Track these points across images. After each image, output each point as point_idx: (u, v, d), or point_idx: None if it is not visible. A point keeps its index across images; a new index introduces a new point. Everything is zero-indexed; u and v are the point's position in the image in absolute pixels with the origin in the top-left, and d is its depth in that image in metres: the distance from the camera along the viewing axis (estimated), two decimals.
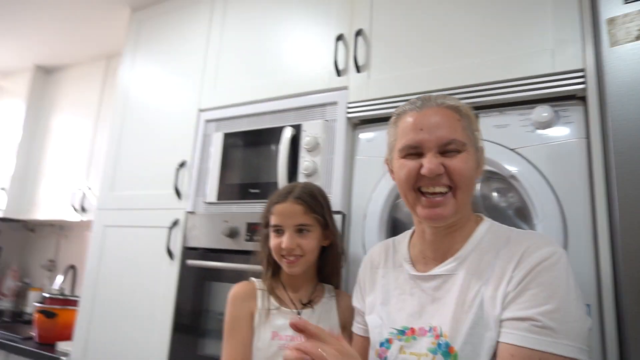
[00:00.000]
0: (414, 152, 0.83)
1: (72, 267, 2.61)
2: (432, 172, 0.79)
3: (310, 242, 1.09)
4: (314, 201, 1.11)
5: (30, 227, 3.20)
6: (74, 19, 2.41)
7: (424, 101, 0.86)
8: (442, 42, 1.31)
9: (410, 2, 1.40)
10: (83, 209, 2.47)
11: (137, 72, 2.12)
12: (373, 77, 1.41)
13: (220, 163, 1.66)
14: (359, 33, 1.44)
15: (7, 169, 2.83)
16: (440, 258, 0.86)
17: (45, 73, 3.03)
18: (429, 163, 0.80)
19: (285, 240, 1.08)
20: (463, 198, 0.82)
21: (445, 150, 0.81)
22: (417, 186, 0.83)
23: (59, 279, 2.41)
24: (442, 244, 0.87)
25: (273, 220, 1.11)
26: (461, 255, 0.83)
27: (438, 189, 0.81)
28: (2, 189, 2.78)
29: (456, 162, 0.80)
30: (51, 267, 2.98)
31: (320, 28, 1.57)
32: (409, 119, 0.85)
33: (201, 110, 1.80)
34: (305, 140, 1.46)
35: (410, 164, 0.83)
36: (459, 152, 0.81)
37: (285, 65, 1.63)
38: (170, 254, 1.68)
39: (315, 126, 1.46)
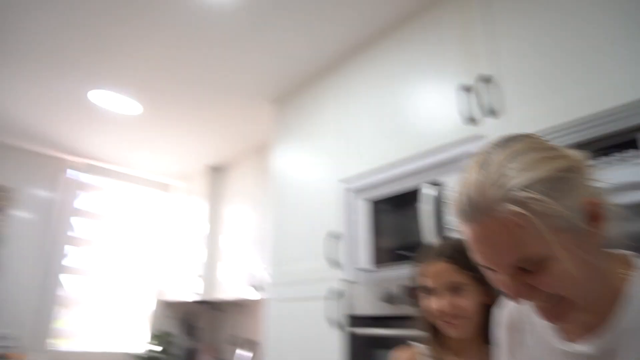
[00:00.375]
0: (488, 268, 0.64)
1: (251, 341, 2.86)
2: (516, 298, 0.62)
3: (468, 301, 1.03)
4: (464, 257, 1.06)
5: (218, 307, 3.64)
6: (227, 121, 2.87)
7: (470, 203, 0.60)
8: (581, 65, 1.21)
9: (535, 35, 1.34)
10: (258, 287, 2.74)
11: (284, 156, 2.38)
12: (510, 120, 1.35)
13: (369, 229, 1.71)
14: (485, 79, 1.42)
15: (200, 258, 3.35)
16: (589, 324, 0.66)
17: (215, 171, 3.58)
18: (507, 289, 0.62)
19: (437, 302, 1.05)
20: (579, 294, 0.61)
21: (521, 269, 0.59)
22: None
23: (241, 352, 2.64)
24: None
25: (423, 282, 1.09)
26: (619, 327, 0.63)
27: (542, 304, 0.63)
28: (199, 276, 3.28)
29: (543, 281, 0.59)
30: (234, 342, 3.31)
31: (444, 82, 1.59)
32: (463, 230, 0.64)
33: (343, 181, 1.91)
34: (447, 195, 1.44)
35: (493, 277, 0.65)
36: (540, 266, 0.58)
37: (415, 124, 1.66)
38: (333, 323, 1.74)
39: (455, 180, 1.43)
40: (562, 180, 0.59)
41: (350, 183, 1.87)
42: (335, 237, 1.86)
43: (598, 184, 0.62)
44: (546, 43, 1.31)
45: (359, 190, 1.82)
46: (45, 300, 3.18)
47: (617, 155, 1.08)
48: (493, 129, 1.38)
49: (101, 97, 2.55)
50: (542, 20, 1.33)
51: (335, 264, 1.83)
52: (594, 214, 0.61)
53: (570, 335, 0.68)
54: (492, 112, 1.39)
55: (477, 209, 0.59)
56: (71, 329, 3.30)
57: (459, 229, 0.65)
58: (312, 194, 2.10)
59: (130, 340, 3.48)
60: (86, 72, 2.32)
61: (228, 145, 3.21)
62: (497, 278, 0.64)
